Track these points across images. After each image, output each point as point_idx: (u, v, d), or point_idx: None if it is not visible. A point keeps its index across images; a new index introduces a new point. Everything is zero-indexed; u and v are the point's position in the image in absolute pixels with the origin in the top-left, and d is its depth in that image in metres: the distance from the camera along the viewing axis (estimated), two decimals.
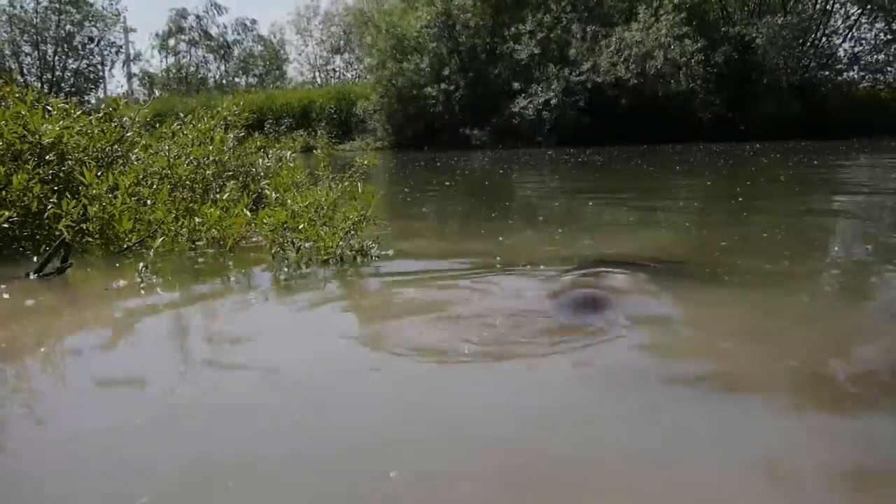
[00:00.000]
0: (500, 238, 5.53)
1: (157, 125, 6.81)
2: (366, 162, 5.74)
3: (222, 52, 51.41)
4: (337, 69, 50.68)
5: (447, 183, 12.72)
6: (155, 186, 5.37)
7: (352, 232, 4.65)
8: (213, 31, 51.37)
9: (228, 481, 1.71)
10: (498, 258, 4.44)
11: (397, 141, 31.13)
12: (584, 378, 2.34)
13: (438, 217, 7.91)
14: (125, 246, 4.74)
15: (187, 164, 5.76)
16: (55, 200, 4.75)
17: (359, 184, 4.99)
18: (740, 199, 8.05)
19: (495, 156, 22.18)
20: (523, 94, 27.86)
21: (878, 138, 22.78)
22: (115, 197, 4.73)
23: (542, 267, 4.02)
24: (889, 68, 31.42)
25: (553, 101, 26.98)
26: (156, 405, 2.22)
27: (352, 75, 48.01)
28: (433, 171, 16.35)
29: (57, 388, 2.48)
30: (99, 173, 4.97)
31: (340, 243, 4.53)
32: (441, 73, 30.21)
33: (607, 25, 28.46)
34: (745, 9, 29.92)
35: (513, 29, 29.02)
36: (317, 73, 51.13)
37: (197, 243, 4.94)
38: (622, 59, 26.93)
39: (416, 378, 2.36)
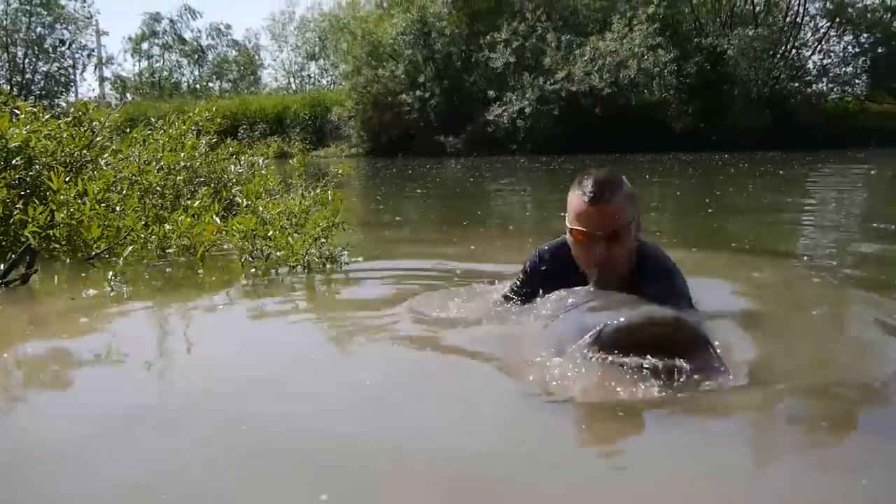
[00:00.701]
0: (472, 247, 5.54)
1: (129, 130, 6.72)
2: (339, 171, 5.73)
3: (196, 56, 51.15)
4: (312, 75, 50.61)
5: (419, 190, 12.72)
6: (125, 192, 5.31)
7: (322, 240, 4.63)
8: (187, 35, 51.21)
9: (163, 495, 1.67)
10: (468, 267, 4.44)
11: (372, 148, 31.13)
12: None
13: (410, 225, 7.91)
14: (93, 253, 4.68)
15: (158, 171, 5.69)
16: (21, 206, 4.67)
17: (329, 192, 4.96)
18: (709, 209, 8.15)
19: (469, 163, 22.24)
20: (498, 102, 28.02)
21: (846, 149, 23.16)
22: (84, 203, 4.67)
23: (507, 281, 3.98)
24: (857, 81, 32.10)
25: (528, 110, 27.16)
26: (113, 417, 2.18)
27: (327, 81, 47.97)
28: (407, 179, 16.35)
29: (12, 399, 2.44)
30: (67, 179, 4.89)
31: (310, 251, 4.50)
32: (416, 81, 30.29)
33: (582, 35, 28.75)
34: (718, 20, 30.39)
35: (488, 37, 29.18)
36: (292, 79, 51.01)
37: (167, 251, 4.89)
38: (596, 68, 27.18)
39: (377, 392, 2.29)
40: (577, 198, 2.64)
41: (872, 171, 15.65)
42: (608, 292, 2.56)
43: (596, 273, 2.63)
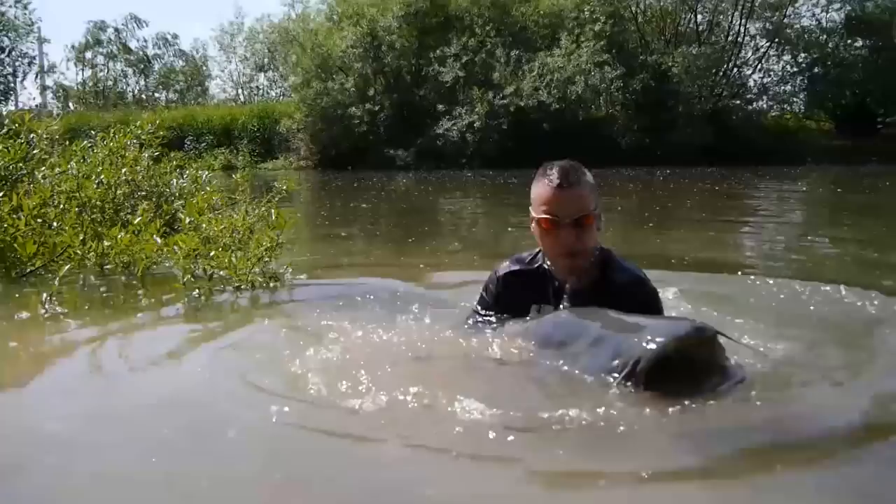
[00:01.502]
0: (421, 265, 5.54)
1: (72, 141, 6.55)
2: (283, 186, 5.66)
3: (142, 66, 50.23)
4: (261, 87, 50.07)
5: (364, 205, 12.72)
6: (62, 207, 5.19)
7: (266, 258, 4.59)
8: (133, 44, 50.21)
9: None
10: (414, 286, 4.45)
11: (321, 160, 30.94)
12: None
13: (356, 241, 7.89)
14: (28, 270, 4.57)
15: (97, 185, 5.57)
16: None
17: (273, 210, 4.90)
18: (650, 223, 8.32)
19: (418, 177, 22.30)
20: (448, 117, 28.14)
21: (784, 165, 23.85)
22: (19, 218, 4.56)
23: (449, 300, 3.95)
24: (795, 99, 33.18)
25: (477, 124, 27.33)
26: (37, 442, 2.14)
27: (276, 93, 47.50)
28: (355, 192, 16.33)
29: None
30: (1, 193, 4.78)
31: (254, 269, 4.46)
32: (366, 94, 30.26)
33: (530, 51, 29.05)
34: (662, 39, 31.09)
35: (438, 51, 29.31)
36: (240, 91, 50.40)
37: (105, 268, 4.80)
38: (544, 84, 27.50)
39: (308, 421, 2.22)
40: (542, 186, 2.61)
41: (804, 188, 16.17)
42: (590, 309, 2.55)
43: (569, 287, 2.67)
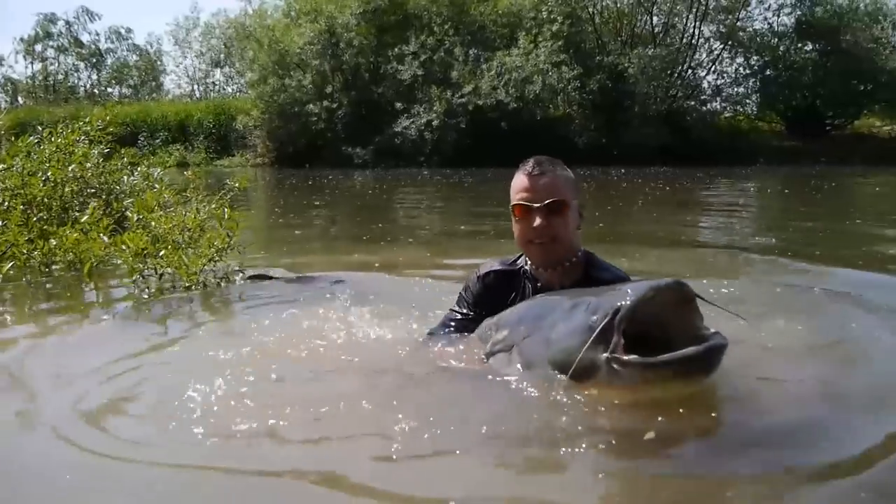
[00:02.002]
0: (377, 264, 5.52)
1: (18, 136, 6.39)
2: (237, 184, 5.61)
3: (94, 60, 49.21)
4: (217, 82, 49.46)
5: (319, 203, 12.65)
6: (7, 205, 5.09)
7: (216, 258, 4.55)
8: (85, 38, 49.16)
9: None
10: (365, 286, 4.44)
11: (278, 158, 30.71)
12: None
13: (309, 239, 7.85)
14: None
15: (43, 183, 5.46)
16: None
17: (226, 209, 4.85)
18: (600, 224, 8.41)
19: (376, 175, 22.25)
20: (406, 115, 28.10)
21: (737, 166, 24.32)
22: None
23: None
24: (748, 100, 33.80)
25: (435, 122, 27.35)
26: None
27: (232, 89, 46.94)
28: (311, 190, 16.24)
29: None
30: None
31: (204, 268, 4.43)
32: (324, 91, 30.05)
33: (489, 50, 29.18)
34: (619, 40, 31.41)
35: (396, 49, 29.25)
36: (195, 86, 49.74)
37: (52, 267, 4.71)
38: (503, 83, 27.62)
39: (256, 421, 2.18)
40: (517, 177, 2.66)
41: (752, 188, 16.52)
42: (568, 290, 2.52)
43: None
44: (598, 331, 2.09)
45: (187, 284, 4.30)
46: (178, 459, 2.00)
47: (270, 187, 17.32)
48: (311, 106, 29.64)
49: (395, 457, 1.95)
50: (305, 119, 29.85)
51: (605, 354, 2.09)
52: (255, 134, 31.90)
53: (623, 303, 2.09)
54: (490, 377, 2.40)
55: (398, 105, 28.52)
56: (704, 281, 4.01)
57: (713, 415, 2.18)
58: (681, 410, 2.12)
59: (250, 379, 2.49)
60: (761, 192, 15.96)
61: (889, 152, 26.78)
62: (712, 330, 2.13)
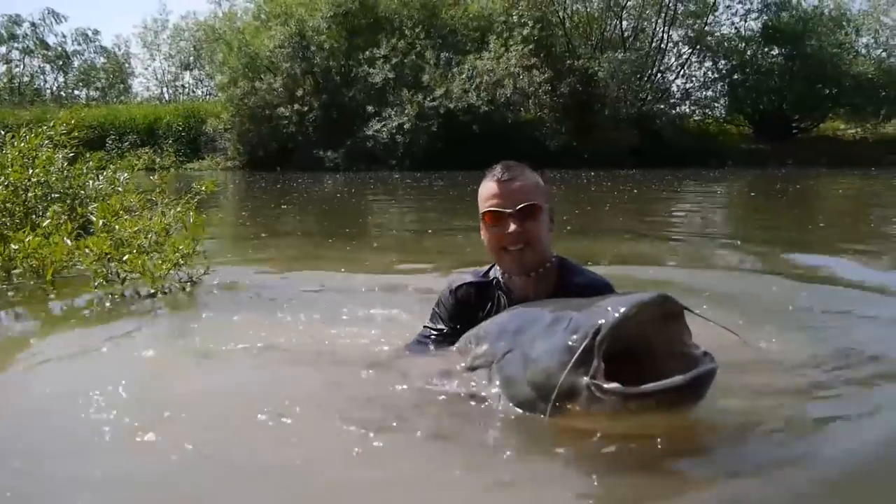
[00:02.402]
0: (343, 269, 5.49)
1: None
2: (203, 187, 5.54)
3: (60, 62, 48.48)
4: (186, 85, 49.03)
5: (287, 206, 12.59)
6: None
7: (181, 263, 4.51)
8: (51, 39, 48.41)
9: None
10: (332, 290, 4.43)
11: (249, 161, 30.51)
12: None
13: (277, 243, 7.79)
14: None
15: (5, 187, 5.36)
16: None
17: (191, 213, 4.80)
18: (568, 227, 8.46)
19: (347, 178, 22.19)
20: (377, 118, 28.05)
21: (706, 168, 24.62)
22: None
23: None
24: (716, 104, 34.28)
25: (406, 126, 27.33)
26: None
27: (202, 92, 46.56)
28: (281, 193, 16.16)
29: None
30: None
31: (169, 272, 4.38)
32: (295, 94, 29.90)
33: (460, 53, 29.25)
34: (589, 44, 31.68)
35: (367, 53, 29.19)
36: (164, 89, 49.23)
37: (12, 272, 4.64)
38: (474, 86, 27.70)
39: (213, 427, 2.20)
40: (485, 184, 2.61)
41: (719, 190, 16.73)
42: (547, 300, 2.43)
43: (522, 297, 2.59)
44: (577, 354, 1.97)
45: (152, 290, 4.25)
46: (140, 463, 1.99)
47: (240, 191, 17.21)
48: (281, 109, 29.48)
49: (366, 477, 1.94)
50: (276, 122, 29.69)
51: (585, 378, 1.96)
52: (226, 137, 31.63)
53: (603, 321, 1.96)
54: (470, 395, 2.34)
55: (369, 108, 28.46)
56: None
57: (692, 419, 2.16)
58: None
59: (214, 385, 2.48)
60: (728, 195, 16.15)
61: (853, 155, 27.30)
62: (701, 349, 2.00)
